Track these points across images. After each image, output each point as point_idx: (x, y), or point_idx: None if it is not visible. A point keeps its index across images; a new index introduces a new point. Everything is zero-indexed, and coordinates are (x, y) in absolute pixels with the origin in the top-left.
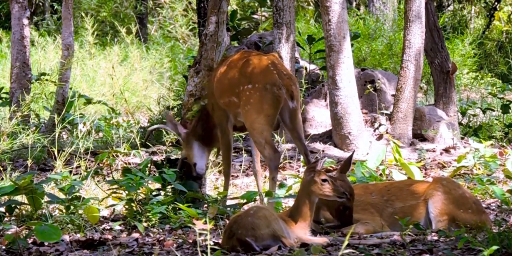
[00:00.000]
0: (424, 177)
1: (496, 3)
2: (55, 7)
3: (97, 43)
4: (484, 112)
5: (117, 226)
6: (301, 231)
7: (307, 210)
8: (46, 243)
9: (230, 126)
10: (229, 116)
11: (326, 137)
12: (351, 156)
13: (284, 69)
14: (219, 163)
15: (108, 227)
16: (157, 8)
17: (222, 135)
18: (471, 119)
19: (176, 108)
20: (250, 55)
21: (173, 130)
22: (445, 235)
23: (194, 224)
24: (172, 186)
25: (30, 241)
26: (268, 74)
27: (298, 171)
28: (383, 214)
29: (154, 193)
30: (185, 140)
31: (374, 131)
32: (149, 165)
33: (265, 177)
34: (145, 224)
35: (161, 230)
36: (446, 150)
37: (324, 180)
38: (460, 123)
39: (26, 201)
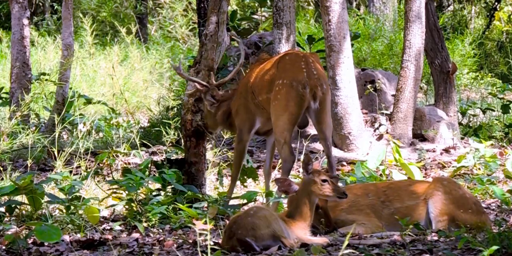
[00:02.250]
0: (424, 177)
1: (496, 3)
2: (55, 7)
3: (97, 43)
4: (484, 112)
5: (117, 226)
6: (301, 231)
7: (307, 210)
8: (46, 243)
9: (250, 133)
10: (254, 121)
11: None
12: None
13: (318, 69)
14: (218, 163)
15: (108, 227)
16: (157, 8)
17: (238, 142)
18: (471, 119)
19: (176, 108)
20: (292, 51)
21: (209, 103)
22: (445, 235)
23: (194, 224)
24: (172, 186)
25: (30, 241)
26: (297, 71)
27: (298, 171)
28: (381, 215)
29: (154, 193)
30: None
31: (374, 131)
32: (149, 165)
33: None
34: (145, 224)
35: (161, 230)
36: (446, 150)
37: (324, 180)
38: (460, 123)
39: (26, 201)
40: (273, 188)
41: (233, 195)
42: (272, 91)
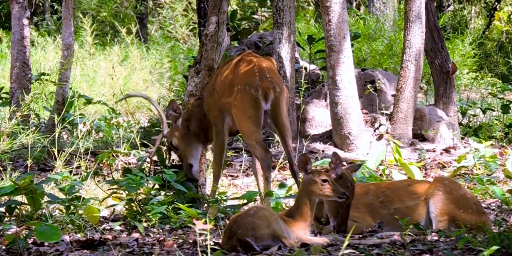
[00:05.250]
0: (424, 177)
1: (496, 3)
2: (55, 7)
3: (97, 43)
4: (484, 112)
5: (117, 226)
6: (301, 231)
7: (307, 210)
8: (46, 243)
9: (226, 128)
10: (225, 118)
11: (326, 137)
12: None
13: (271, 73)
14: None
15: (108, 227)
16: (157, 8)
17: (217, 136)
18: (471, 119)
19: None
20: (247, 56)
21: (172, 119)
22: (445, 235)
23: (194, 224)
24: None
25: (30, 241)
26: (249, 75)
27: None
28: (380, 215)
29: (154, 193)
30: (181, 137)
31: (374, 131)
32: (148, 165)
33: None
34: (145, 224)
35: (161, 230)
36: (446, 150)
37: (324, 180)
38: (460, 123)
39: (26, 201)
40: (273, 186)
41: (233, 195)
42: (231, 95)
